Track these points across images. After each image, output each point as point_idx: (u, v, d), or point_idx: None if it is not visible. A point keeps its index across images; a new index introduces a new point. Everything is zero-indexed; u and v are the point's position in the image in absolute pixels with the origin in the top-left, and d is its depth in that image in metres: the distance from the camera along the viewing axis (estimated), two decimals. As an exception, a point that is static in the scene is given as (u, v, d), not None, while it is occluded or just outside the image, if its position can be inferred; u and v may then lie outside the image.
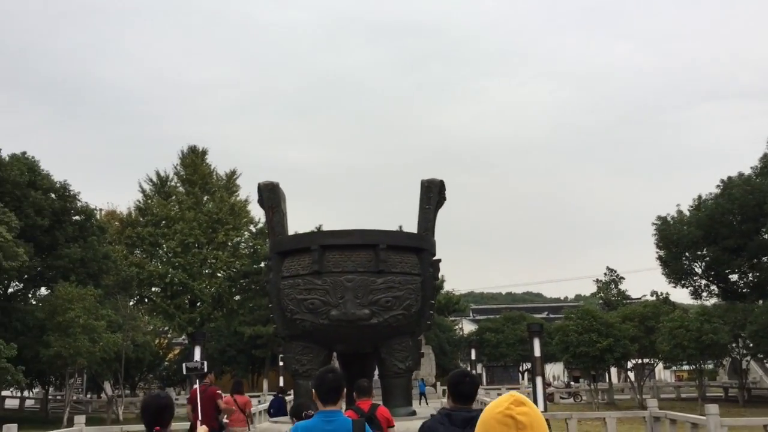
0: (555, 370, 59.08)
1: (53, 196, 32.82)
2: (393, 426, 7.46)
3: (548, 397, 27.52)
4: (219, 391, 12.57)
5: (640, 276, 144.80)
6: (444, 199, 13.65)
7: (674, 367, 56.33)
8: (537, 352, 20.30)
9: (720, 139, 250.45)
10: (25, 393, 43.73)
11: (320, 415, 4.33)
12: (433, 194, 13.31)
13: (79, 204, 34.05)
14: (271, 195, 13.14)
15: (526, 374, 59.78)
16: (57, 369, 29.92)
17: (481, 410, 2.46)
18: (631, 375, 41.60)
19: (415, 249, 12.74)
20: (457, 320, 68.79)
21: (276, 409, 15.89)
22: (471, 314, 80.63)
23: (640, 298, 45.81)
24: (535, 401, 20.08)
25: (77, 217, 34.21)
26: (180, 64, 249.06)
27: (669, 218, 39.09)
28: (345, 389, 4.47)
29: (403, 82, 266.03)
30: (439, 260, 13.54)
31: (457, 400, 4.03)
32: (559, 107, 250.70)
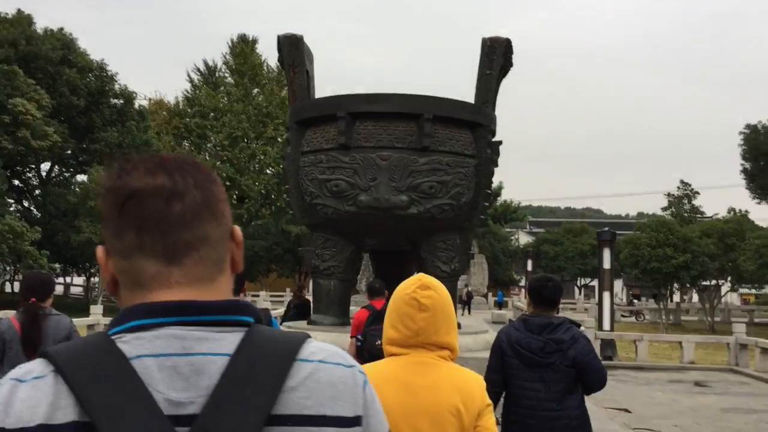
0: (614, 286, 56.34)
1: (90, 76, 30.91)
2: None
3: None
4: None
5: (711, 193, 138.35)
6: (510, 64, 10.76)
7: (741, 290, 52.97)
8: (606, 264, 17.70)
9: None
10: (76, 280, 43.81)
11: None
12: (496, 56, 10.43)
13: (117, 86, 32.11)
14: (292, 50, 10.52)
15: (582, 290, 57.31)
16: (89, 256, 28.84)
17: (563, 318, 3.13)
18: (695, 296, 38.71)
19: (470, 124, 10.01)
20: (513, 231, 66.33)
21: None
22: (528, 226, 77.87)
23: (711, 217, 42.16)
24: (601, 318, 17.63)
25: (116, 101, 32.36)
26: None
27: (760, 127, 35.07)
28: None
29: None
30: (500, 142, 10.82)
31: (537, 305, 3.83)
32: (634, 15, 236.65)
